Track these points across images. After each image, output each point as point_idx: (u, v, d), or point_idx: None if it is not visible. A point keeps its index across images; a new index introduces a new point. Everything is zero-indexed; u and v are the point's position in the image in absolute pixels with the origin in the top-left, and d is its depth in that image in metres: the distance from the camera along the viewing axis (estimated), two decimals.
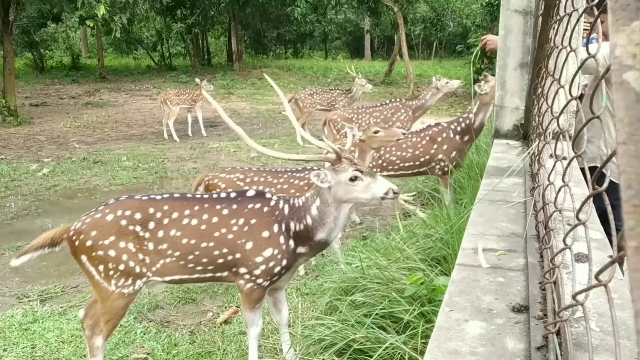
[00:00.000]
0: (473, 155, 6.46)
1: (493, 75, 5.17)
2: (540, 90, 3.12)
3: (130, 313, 4.31)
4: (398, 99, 8.45)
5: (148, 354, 3.79)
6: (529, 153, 3.37)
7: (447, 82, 7.94)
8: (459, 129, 5.81)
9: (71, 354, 3.80)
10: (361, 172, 3.08)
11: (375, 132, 4.68)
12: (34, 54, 25.22)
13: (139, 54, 30.79)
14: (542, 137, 2.76)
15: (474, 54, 5.92)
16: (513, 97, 4.53)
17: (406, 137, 4.95)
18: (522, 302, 1.81)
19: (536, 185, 2.66)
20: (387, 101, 8.39)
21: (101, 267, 3.07)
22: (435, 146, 5.78)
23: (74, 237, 3.09)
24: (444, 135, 5.80)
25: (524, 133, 4.46)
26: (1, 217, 6.89)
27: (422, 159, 5.80)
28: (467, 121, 5.80)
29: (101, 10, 12.53)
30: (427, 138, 5.82)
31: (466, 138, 5.81)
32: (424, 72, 24.71)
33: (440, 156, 5.74)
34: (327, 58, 33.82)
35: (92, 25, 15.28)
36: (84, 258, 3.10)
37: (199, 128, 12.10)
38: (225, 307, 4.45)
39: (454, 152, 5.76)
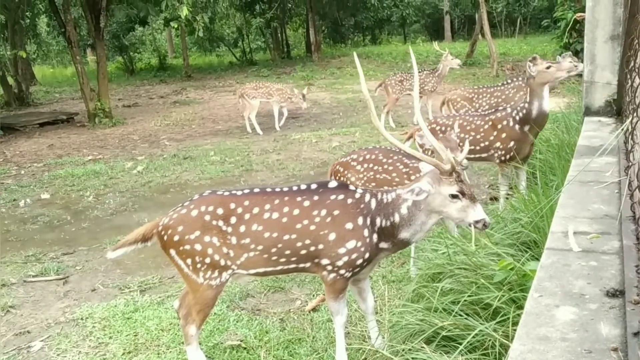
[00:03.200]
0: (563, 135, 6.15)
1: (578, 50, 4.89)
2: (633, 63, 2.95)
3: (223, 302, 4.49)
4: (520, 78, 8.10)
5: (241, 340, 3.93)
6: (622, 130, 3.20)
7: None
8: (517, 118, 5.29)
9: (170, 341, 4.01)
10: (463, 193, 3.06)
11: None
12: (124, 57, 26.57)
13: (221, 51, 31.68)
14: (636, 113, 2.61)
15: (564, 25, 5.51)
16: (604, 71, 4.31)
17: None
18: (617, 287, 1.74)
19: (631, 163, 2.53)
20: (509, 80, 8.13)
21: (189, 261, 3.21)
22: (495, 133, 5.38)
23: (163, 233, 3.25)
24: (505, 122, 5.36)
25: (617, 109, 4.24)
26: (101, 213, 7.34)
27: (482, 145, 5.44)
28: (524, 111, 5.27)
29: (184, 11, 12.98)
30: (490, 123, 5.43)
31: (526, 128, 5.26)
32: (508, 50, 23.84)
33: (497, 144, 5.36)
34: (406, 42, 33.33)
35: (176, 26, 15.88)
36: (172, 252, 3.25)
37: (286, 120, 12.36)
38: (313, 295, 4.53)
39: (512, 142, 5.30)
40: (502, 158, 5.37)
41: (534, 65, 5.16)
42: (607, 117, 4.27)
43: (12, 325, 4.50)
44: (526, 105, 5.25)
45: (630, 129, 2.85)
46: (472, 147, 5.41)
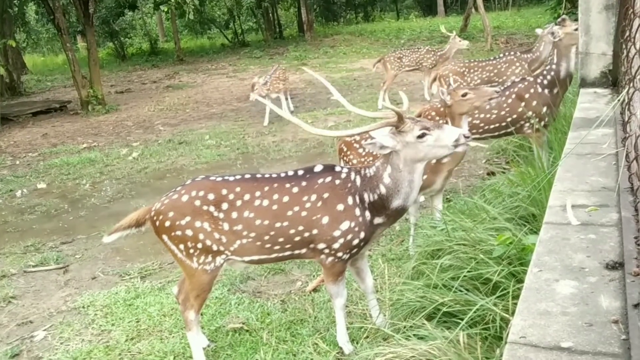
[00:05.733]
0: (559, 107, 6.14)
1: (575, 20, 4.84)
2: (628, 33, 2.92)
3: (223, 285, 4.51)
4: (512, 52, 8.07)
5: (243, 323, 3.95)
6: (619, 101, 3.18)
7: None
8: (545, 82, 5.30)
9: (172, 326, 4.03)
10: (427, 127, 3.01)
11: (464, 95, 4.16)
12: (115, 43, 26.35)
13: (213, 34, 31.43)
14: (632, 83, 2.59)
15: None
16: (599, 42, 4.28)
17: (500, 96, 4.38)
18: (616, 259, 1.73)
19: (628, 134, 2.52)
20: (501, 55, 8.08)
21: (181, 246, 3.20)
22: (523, 104, 5.31)
23: (155, 218, 3.24)
24: (532, 90, 5.32)
25: (612, 80, 4.22)
26: (98, 200, 7.33)
27: (509, 119, 5.37)
28: (552, 72, 5.28)
29: None
30: (514, 96, 5.37)
31: (555, 90, 5.29)
32: (502, 23, 23.68)
33: (529, 114, 5.28)
34: (399, 19, 33.06)
35: (166, 9, 15.74)
36: (165, 237, 3.24)
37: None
38: (314, 276, 4.55)
39: (545, 108, 5.28)
40: (536, 127, 5.28)
41: (562, 28, 5.18)
42: (603, 88, 4.25)
43: (14, 315, 4.51)
44: (554, 66, 5.27)
45: (626, 100, 2.83)
46: (497, 125, 5.38)
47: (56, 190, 7.96)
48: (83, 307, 4.49)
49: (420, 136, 2.99)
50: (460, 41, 11.13)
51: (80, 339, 4.04)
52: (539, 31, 7.91)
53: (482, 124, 5.38)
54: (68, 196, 7.65)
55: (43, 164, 9.45)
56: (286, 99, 11.37)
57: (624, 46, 3.26)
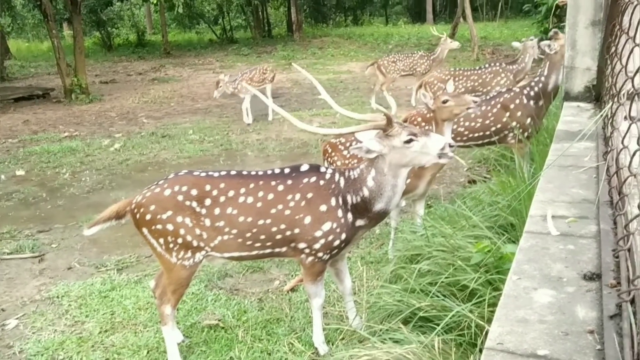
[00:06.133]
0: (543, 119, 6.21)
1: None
2: (614, 49, 2.97)
3: (201, 281, 4.48)
4: (497, 63, 8.15)
5: (219, 320, 3.93)
6: (601, 115, 3.23)
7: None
8: (532, 93, 5.38)
9: (147, 320, 3.99)
10: (414, 133, 3.03)
11: (444, 102, 4.20)
12: (102, 32, 26.06)
13: (201, 29, 31.26)
14: (615, 99, 2.63)
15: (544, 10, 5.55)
16: (584, 57, 4.33)
17: (479, 105, 4.42)
18: (594, 270, 1.76)
19: (609, 149, 2.55)
20: (487, 65, 8.15)
21: (161, 240, 3.18)
22: (507, 114, 5.37)
23: (136, 211, 3.21)
24: (517, 101, 5.39)
25: (596, 95, 4.28)
26: (78, 190, 7.24)
27: (493, 129, 5.42)
28: (540, 85, 5.37)
29: None
30: (499, 106, 5.43)
31: (540, 103, 5.38)
32: (489, 34, 23.87)
33: (512, 124, 5.34)
34: (388, 24, 33.18)
35: (155, 1, 15.59)
36: (145, 231, 3.21)
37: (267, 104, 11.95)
38: (292, 275, 4.54)
39: (529, 119, 5.35)
40: (519, 138, 5.34)
41: (555, 40, 5.28)
42: (586, 103, 4.30)
43: None
44: (543, 79, 5.36)
45: (609, 115, 2.87)
46: (481, 134, 5.43)
47: (35, 178, 7.84)
48: (57, 297, 4.43)
49: (408, 141, 3.01)
50: (451, 42, 11.17)
51: (53, 329, 3.99)
52: (515, 44, 8.03)
53: (466, 132, 5.43)
54: (47, 184, 7.54)
55: (23, 151, 9.31)
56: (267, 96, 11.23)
57: (608, 62, 3.31)
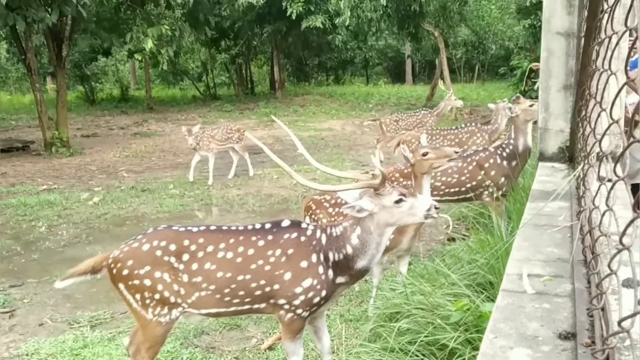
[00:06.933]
0: (519, 179, 6.34)
1: (533, 98, 5.08)
2: (584, 112, 3.08)
3: (176, 339, 4.38)
4: (473, 123, 8.34)
5: None
6: (574, 176, 3.31)
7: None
8: (504, 154, 5.55)
9: None
10: (404, 194, 3.09)
11: (424, 154, 4.21)
12: (85, 87, 26.23)
13: (185, 85, 31.65)
14: (587, 160, 2.71)
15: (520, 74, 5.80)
16: (557, 119, 4.47)
17: (459, 156, 4.44)
18: (569, 329, 1.77)
19: (582, 208, 2.61)
20: (463, 125, 8.34)
21: (138, 296, 3.13)
22: (482, 172, 5.51)
23: (112, 266, 3.16)
24: (492, 161, 5.53)
25: (569, 155, 4.39)
26: (53, 244, 7.12)
27: (468, 185, 5.55)
28: (510, 147, 5.55)
29: (149, 44, 12.97)
30: (474, 164, 5.57)
31: (514, 163, 5.54)
32: (467, 95, 24.48)
33: (487, 182, 5.47)
34: (369, 84, 33.95)
35: (140, 58, 15.82)
36: (121, 286, 3.16)
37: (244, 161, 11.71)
38: (270, 333, 4.47)
39: (503, 178, 5.48)
40: (494, 196, 5.45)
41: (517, 105, 5.50)
42: (560, 163, 4.41)
43: None
44: (512, 141, 5.56)
45: (581, 175, 2.95)
46: (457, 189, 5.53)
47: (10, 231, 7.72)
48: (27, 354, 4.30)
49: (398, 201, 3.06)
50: (455, 99, 11.34)
51: None
52: (491, 105, 8.27)
53: (443, 187, 5.55)
54: (22, 238, 7.42)
55: None
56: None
57: (580, 124, 3.42)
